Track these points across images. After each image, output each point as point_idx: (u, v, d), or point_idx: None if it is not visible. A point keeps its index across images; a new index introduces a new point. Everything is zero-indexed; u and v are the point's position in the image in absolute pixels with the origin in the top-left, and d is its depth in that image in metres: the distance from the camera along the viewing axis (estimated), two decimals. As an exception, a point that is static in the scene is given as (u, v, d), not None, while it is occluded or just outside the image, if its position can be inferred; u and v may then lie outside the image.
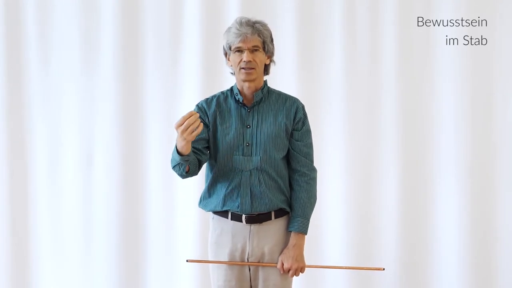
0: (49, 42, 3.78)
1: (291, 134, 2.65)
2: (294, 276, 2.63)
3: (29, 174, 3.81)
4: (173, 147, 2.48)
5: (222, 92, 2.71)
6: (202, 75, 3.70)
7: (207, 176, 2.71)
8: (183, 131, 2.34)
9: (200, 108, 2.68)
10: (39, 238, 3.81)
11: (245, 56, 2.55)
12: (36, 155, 3.81)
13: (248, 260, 2.62)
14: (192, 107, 2.74)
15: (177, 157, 2.47)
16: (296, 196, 2.65)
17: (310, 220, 2.67)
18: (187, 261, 2.78)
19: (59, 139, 3.80)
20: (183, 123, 2.34)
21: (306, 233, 2.64)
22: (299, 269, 2.62)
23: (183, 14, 3.74)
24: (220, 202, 2.63)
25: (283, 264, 2.60)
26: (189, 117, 2.34)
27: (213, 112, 2.65)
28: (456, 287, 3.67)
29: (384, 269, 2.73)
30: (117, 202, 3.74)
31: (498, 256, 3.67)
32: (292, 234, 2.63)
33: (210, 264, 2.70)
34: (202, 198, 2.70)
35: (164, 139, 3.73)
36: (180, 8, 3.74)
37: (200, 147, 2.61)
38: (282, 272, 2.61)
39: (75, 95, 3.78)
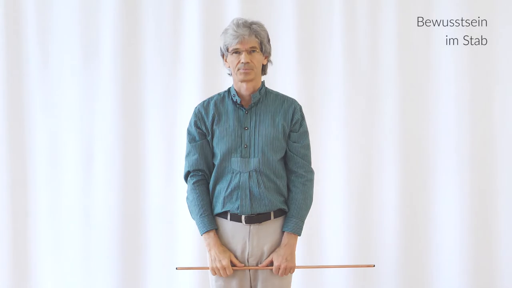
0: (49, 40, 3.78)
1: (289, 135, 2.65)
2: (284, 275, 2.63)
3: (29, 173, 3.81)
4: (197, 219, 2.66)
5: (219, 94, 2.71)
6: (202, 75, 3.70)
7: (206, 178, 2.72)
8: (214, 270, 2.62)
9: (197, 115, 2.67)
10: (39, 237, 3.81)
11: (243, 57, 2.55)
12: (36, 154, 3.81)
13: (248, 261, 2.62)
14: (192, 107, 2.75)
15: (198, 228, 2.68)
16: (292, 197, 2.65)
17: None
18: (176, 269, 2.80)
19: (59, 139, 3.80)
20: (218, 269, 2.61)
21: (299, 234, 2.64)
22: (289, 269, 2.62)
23: (183, 14, 3.74)
24: (220, 204, 2.63)
25: (272, 263, 2.60)
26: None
27: (212, 116, 2.65)
28: (456, 286, 3.68)
29: (374, 266, 2.74)
30: (117, 202, 3.74)
31: (498, 256, 3.67)
32: (285, 233, 2.63)
33: (210, 265, 2.69)
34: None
35: (164, 138, 3.73)
36: (180, 8, 3.74)
37: (207, 170, 2.67)
38: (262, 266, 2.61)
39: (75, 94, 3.78)
